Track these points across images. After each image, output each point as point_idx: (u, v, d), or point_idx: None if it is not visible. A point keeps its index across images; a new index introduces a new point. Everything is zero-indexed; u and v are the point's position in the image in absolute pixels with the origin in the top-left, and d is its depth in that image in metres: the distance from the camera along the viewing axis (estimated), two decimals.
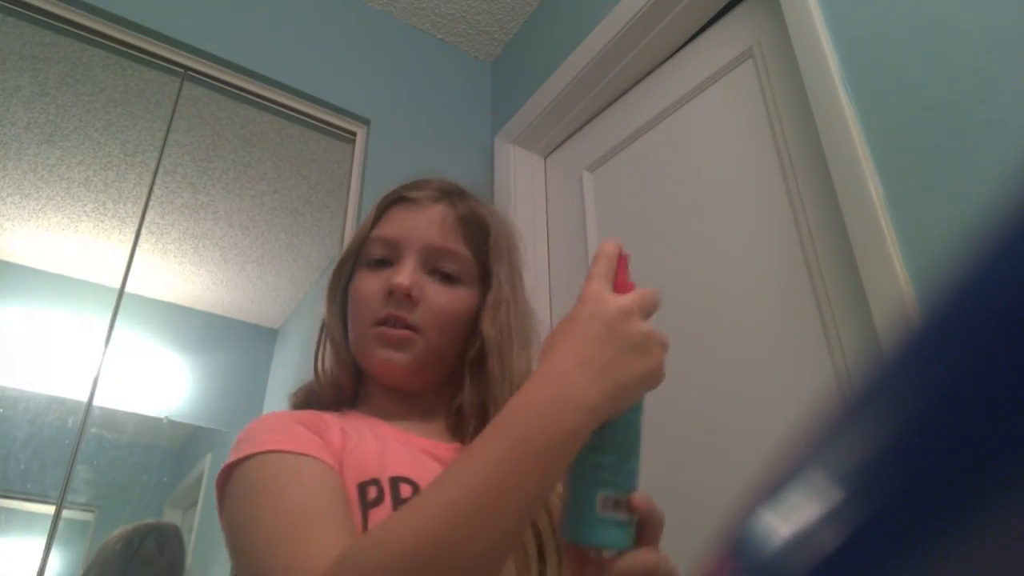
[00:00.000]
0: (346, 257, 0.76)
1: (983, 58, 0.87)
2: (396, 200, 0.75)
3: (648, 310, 0.49)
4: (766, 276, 1.18)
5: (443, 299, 0.69)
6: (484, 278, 0.73)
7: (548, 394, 0.45)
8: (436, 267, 0.71)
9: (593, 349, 0.46)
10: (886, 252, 0.90)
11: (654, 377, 0.48)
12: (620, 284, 0.51)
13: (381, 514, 0.55)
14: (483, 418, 0.65)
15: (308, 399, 0.75)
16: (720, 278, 1.25)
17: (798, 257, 1.13)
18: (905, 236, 0.90)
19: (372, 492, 0.57)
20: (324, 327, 0.76)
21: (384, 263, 0.71)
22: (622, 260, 0.53)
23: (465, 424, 0.67)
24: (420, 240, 0.70)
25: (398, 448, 0.64)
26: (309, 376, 0.76)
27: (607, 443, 0.48)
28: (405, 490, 0.58)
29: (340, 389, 0.74)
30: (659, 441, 1.24)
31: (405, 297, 0.67)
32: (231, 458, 0.56)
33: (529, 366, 0.69)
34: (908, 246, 0.89)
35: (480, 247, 0.73)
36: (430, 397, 0.71)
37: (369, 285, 0.70)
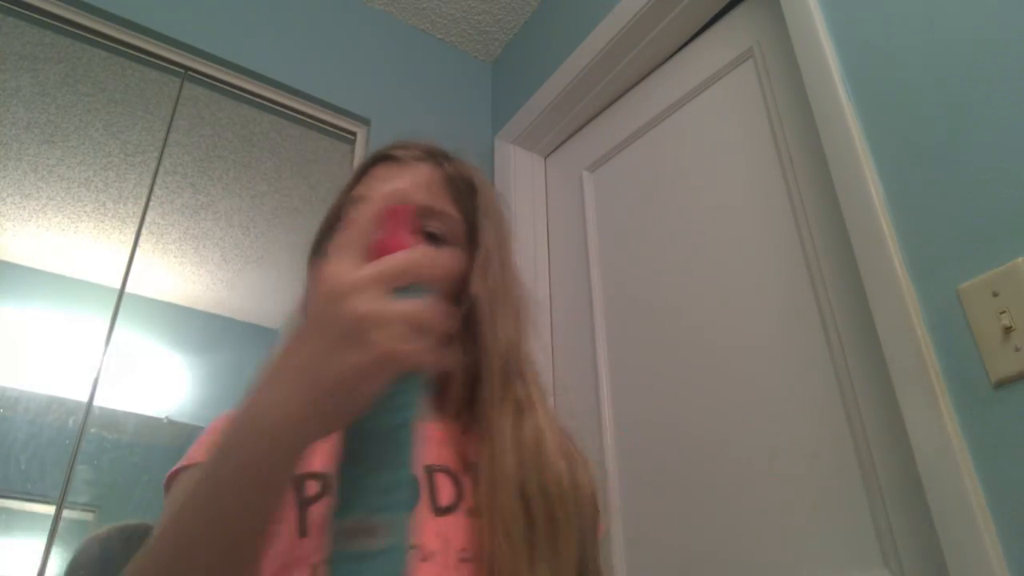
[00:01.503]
0: (327, 222, 0.71)
1: (983, 58, 0.87)
2: (380, 159, 0.71)
3: (390, 281, 0.37)
4: (766, 276, 1.18)
5: None
6: (472, 242, 0.67)
7: (242, 411, 0.37)
8: (423, 227, 0.65)
9: (299, 344, 0.37)
10: (886, 252, 0.90)
11: (368, 374, 0.36)
12: (382, 244, 0.39)
13: (321, 511, 0.54)
14: (472, 388, 0.62)
15: None
16: (720, 278, 1.25)
17: (798, 257, 1.13)
18: (905, 236, 0.90)
19: (312, 487, 0.57)
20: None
21: None
22: (392, 214, 0.41)
23: (450, 397, 0.62)
24: (415, 198, 0.65)
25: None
26: None
27: (350, 455, 0.38)
28: (311, 487, 0.56)
29: None
30: (659, 440, 1.24)
31: None
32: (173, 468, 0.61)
33: (518, 335, 0.65)
34: (908, 246, 0.89)
35: (468, 208, 0.68)
36: None
37: None
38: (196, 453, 0.62)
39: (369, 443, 0.38)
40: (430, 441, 0.61)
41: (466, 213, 0.68)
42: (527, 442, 0.58)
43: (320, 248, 0.71)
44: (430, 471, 0.58)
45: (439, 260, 0.39)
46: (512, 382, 0.62)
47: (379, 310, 0.36)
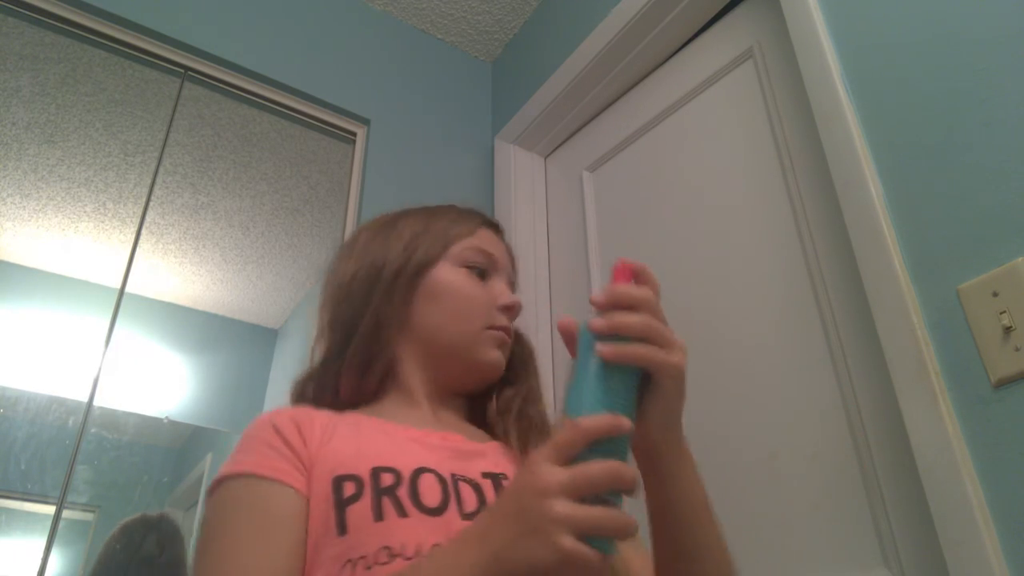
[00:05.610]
0: (434, 249, 0.78)
1: (983, 58, 0.87)
2: (486, 223, 0.85)
3: (588, 489, 0.42)
4: (766, 276, 1.18)
5: None
6: None
7: (445, 558, 0.47)
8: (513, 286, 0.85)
9: (496, 525, 0.44)
10: (886, 252, 0.90)
11: (547, 571, 0.41)
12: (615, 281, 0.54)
13: (359, 510, 0.58)
14: (515, 411, 0.75)
15: (317, 389, 0.76)
16: (720, 278, 1.25)
17: (798, 257, 1.13)
18: (905, 236, 0.90)
19: (349, 488, 0.59)
20: (379, 312, 0.75)
21: (480, 272, 0.79)
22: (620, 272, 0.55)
23: (505, 415, 0.75)
24: (507, 265, 0.83)
25: (378, 437, 0.66)
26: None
27: None
28: (386, 479, 0.60)
29: (365, 377, 0.74)
30: None
31: (516, 315, 0.80)
32: (218, 472, 0.61)
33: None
34: (908, 246, 0.89)
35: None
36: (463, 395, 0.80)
37: (476, 290, 0.78)
38: (245, 460, 0.61)
39: None
40: (460, 454, 0.68)
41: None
42: None
43: (418, 267, 0.77)
44: (455, 480, 0.64)
45: (632, 475, 0.43)
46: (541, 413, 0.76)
47: (569, 516, 0.41)
